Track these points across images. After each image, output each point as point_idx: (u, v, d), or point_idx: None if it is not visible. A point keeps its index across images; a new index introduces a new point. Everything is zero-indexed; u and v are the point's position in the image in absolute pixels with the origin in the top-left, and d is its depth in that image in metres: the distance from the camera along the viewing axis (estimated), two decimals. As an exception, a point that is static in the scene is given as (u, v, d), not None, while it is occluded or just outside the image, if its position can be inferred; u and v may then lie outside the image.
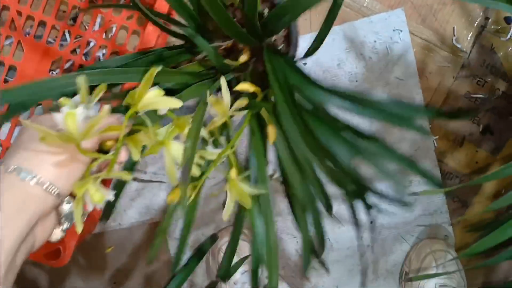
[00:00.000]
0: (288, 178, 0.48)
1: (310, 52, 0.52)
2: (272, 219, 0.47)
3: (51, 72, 0.76)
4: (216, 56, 0.49)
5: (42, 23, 0.75)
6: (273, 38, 0.55)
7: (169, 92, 0.42)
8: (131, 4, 0.48)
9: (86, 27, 0.75)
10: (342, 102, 0.42)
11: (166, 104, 0.38)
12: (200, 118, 0.42)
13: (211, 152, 0.42)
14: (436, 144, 0.80)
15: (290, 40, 0.57)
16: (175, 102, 0.37)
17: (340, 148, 0.42)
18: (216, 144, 0.46)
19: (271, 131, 0.45)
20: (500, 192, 0.81)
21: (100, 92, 0.36)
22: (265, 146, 0.48)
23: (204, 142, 0.45)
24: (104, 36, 0.75)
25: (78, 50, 0.75)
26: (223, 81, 0.43)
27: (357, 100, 0.42)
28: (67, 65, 0.76)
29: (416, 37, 0.78)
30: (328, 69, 0.77)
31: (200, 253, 0.60)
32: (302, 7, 0.43)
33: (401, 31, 0.77)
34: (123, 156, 0.39)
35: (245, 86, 0.46)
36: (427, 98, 0.79)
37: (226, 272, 0.55)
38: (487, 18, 0.78)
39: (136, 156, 0.38)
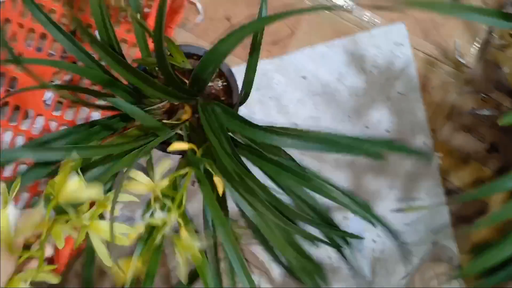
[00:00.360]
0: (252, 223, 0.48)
1: (243, 98, 0.52)
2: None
3: (51, 82, 0.76)
4: (150, 120, 0.49)
5: (43, 36, 0.76)
6: (212, 90, 0.58)
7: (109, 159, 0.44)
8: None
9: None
10: (283, 139, 0.43)
11: (87, 193, 0.38)
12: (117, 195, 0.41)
13: (157, 219, 0.41)
14: (440, 162, 0.78)
15: (230, 90, 0.58)
16: (95, 191, 0.38)
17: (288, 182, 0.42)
18: (163, 208, 0.45)
19: (218, 182, 0.44)
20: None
21: (16, 188, 0.37)
22: (219, 197, 0.48)
23: (149, 207, 0.44)
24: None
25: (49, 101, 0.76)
26: (134, 174, 0.42)
27: (295, 135, 0.42)
28: (67, 77, 0.77)
29: (418, 52, 0.77)
30: (327, 83, 0.76)
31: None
32: (221, 54, 0.45)
33: (402, 45, 0.76)
34: (48, 251, 0.39)
35: (177, 146, 0.45)
36: (429, 113, 0.77)
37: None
38: (491, 33, 0.77)
39: (61, 245, 0.38)
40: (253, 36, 0.48)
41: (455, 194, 0.78)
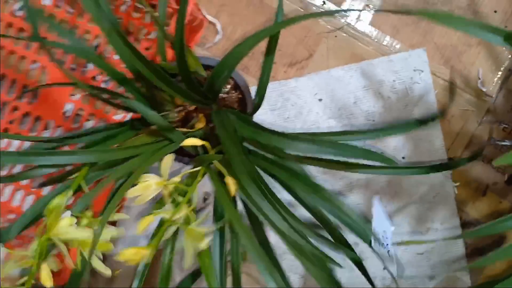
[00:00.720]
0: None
1: (255, 108, 0.52)
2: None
3: (71, 96, 0.78)
4: (166, 124, 0.50)
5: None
6: (226, 102, 0.59)
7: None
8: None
9: (106, 55, 0.77)
10: (297, 143, 0.43)
11: (77, 235, 0.39)
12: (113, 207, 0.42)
13: (166, 211, 0.42)
14: (456, 191, 0.76)
15: (245, 102, 0.60)
16: (86, 234, 0.38)
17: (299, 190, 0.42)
18: (176, 204, 0.46)
19: (230, 183, 0.45)
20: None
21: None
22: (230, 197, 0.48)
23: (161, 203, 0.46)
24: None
25: (98, 76, 0.78)
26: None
27: (309, 140, 0.43)
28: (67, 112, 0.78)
29: (438, 79, 0.75)
30: (343, 107, 0.76)
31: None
32: (235, 59, 0.46)
33: (422, 71, 0.75)
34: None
35: (191, 141, 0.46)
36: (448, 142, 0.76)
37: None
38: (516, 62, 0.75)
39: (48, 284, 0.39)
40: (269, 39, 0.49)
41: (472, 226, 0.76)
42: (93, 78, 0.78)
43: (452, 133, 0.76)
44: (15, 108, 0.77)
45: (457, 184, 0.76)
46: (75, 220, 0.39)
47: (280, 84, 0.76)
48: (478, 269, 0.77)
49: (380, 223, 0.62)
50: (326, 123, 0.76)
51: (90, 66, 0.78)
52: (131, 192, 0.42)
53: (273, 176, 0.50)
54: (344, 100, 0.76)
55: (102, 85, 0.77)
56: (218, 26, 0.76)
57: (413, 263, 0.77)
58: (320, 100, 0.76)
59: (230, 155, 0.44)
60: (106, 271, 0.42)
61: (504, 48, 0.75)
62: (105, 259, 0.81)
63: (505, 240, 0.76)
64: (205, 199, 0.80)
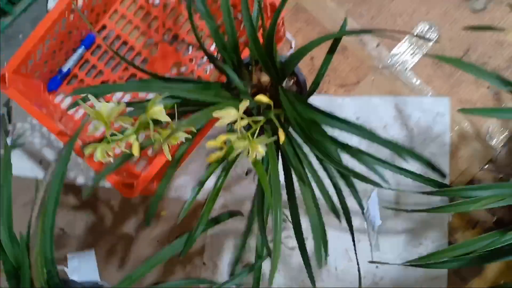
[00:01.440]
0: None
1: (310, 93, 0.71)
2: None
3: (171, 70, 1.02)
4: (243, 90, 0.71)
5: (176, 35, 1.03)
6: (289, 83, 0.79)
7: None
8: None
9: (206, 44, 1.01)
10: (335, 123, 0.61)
11: (161, 117, 0.58)
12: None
13: (254, 119, 0.62)
14: (450, 219, 0.91)
15: (299, 85, 0.79)
16: (165, 118, 0.58)
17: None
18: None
19: (281, 134, 0.64)
20: (499, 282, 0.89)
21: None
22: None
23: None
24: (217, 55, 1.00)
25: (194, 60, 1.01)
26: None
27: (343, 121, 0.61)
28: (183, 69, 1.02)
29: (455, 124, 0.93)
30: (374, 128, 0.94)
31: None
32: (307, 49, 0.65)
33: (443, 115, 0.93)
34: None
35: (261, 97, 0.65)
36: (452, 177, 0.92)
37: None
38: (522, 127, 0.91)
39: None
40: (333, 41, 0.68)
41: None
42: (191, 60, 1.01)
43: (458, 170, 0.92)
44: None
45: (453, 213, 0.91)
46: (162, 110, 0.59)
47: (330, 99, 0.96)
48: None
49: (373, 212, 0.80)
50: (357, 138, 0.95)
51: (191, 51, 1.01)
52: (216, 113, 0.62)
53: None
54: (376, 123, 0.95)
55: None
56: (293, 44, 0.98)
57: (401, 269, 0.92)
58: (357, 118, 0.95)
59: (287, 111, 0.63)
60: (168, 155, 0.61)
61: (514, 114, 0.91)
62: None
63: (483, 271, 0.90)
64: (247, 173, 0.99)
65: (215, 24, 0.73)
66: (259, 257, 0.76)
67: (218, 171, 0.72)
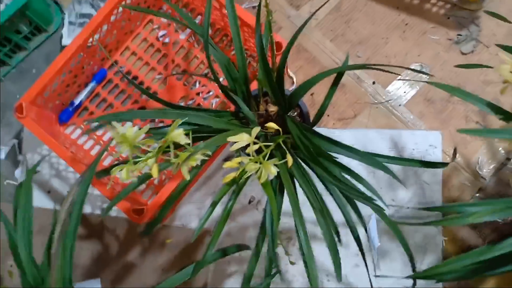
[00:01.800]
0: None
1: (314, 123, 0.77)
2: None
3: (179, 102, 1.07)
4: (252, 118, 0.77)
5: (184, 71, 1.09)
6: (293, 114, 0.86)
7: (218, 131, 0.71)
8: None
9: (211, 81, 1.07)
10: (338, 149, 0.67)
11: (181, 140, 0.64)
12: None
13: (266, 144, 0.67)
14: (444, 244, 0.96)
15: (303, 117, 0.86)
16: (185, 140, 0.64)
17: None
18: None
19: (289, 158, 0.69)
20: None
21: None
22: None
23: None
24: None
25: (200, 93, 1.07)
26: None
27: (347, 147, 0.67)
28: (190, 102, 1.07)
29: (446, 156, 0.99)
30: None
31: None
32: (311, 84, 0.72)
33: (435, 147, 0.99)
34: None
35: (272, 124, 0.71)
36: (445, 192, 0.98)
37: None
38: (508, 159, 0.98)
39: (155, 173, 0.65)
40: (336, 75, 0.74)
41: (451, 274, 0.95)
42: (198, 94, 1.07)
43: (450, 198, 0.98)
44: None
45: (446, 238, 0.96)
46: (182, 133, 0.64)
47: (328, 131, 1.02)
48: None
49: (373, 234, 0.84)
50: (355, 169, 1.00)
51: (198, 86, 1.07)
52: (231, 138, 0.67)
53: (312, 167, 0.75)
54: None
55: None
56: (294, 79, 1.05)
57: (399, 292, 0.95)
58: (355, 149, 1.01)
59: (294, 136, 0.69)
60: (187, 175, 0.65)
61: (501, 146, 0.99)
62: (164, 228, 1.03)
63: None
64: (250, 202, 1.04)
65: (228, 58, 0.79)
66: (267, 275, 0.78)
67: (225, 198, 0.76)
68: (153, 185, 1.04)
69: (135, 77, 1.09)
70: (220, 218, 0.76)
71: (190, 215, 1.04)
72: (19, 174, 1.10)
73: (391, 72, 0.69)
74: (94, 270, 1.04)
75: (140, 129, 0.65)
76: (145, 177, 0.77)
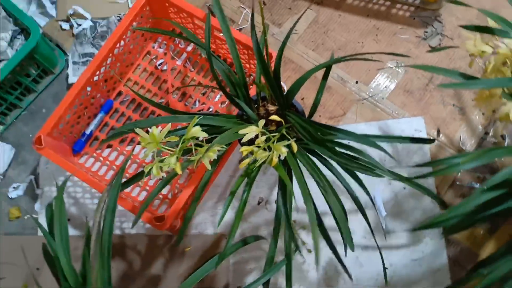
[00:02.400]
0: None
1: (310, 116, 0.87)
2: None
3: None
4: (255, 118, 0.87)
5: (184, 93, 1.19)
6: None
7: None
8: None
9: (210, 98, 1.17)
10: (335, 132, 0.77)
11: (199, 134, 0.73)
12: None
13: (273, 133, 0.76)
14: (442, 217, 1.04)
15: (299, 114, 0.95)
16: (203, 134, 0.73)
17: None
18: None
19: (293, 144, 0.78)
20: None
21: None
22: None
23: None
24: (219, 105, 1.16)
25: (201, 111, 1.16)
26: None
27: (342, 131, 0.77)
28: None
29: (431, 137, 1.09)
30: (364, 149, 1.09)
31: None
32: (302, 81, 0.82)
33: (420, 131, 1.10)
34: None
35: (275, 117, 0.80)
36: (437, 182, 1.07)
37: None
38: (486, 133, 1.08)
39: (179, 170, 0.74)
40: (325, 70, 0.84)
41: (453, 243, 1.03)
42: (199, 111, 1.17)
43: (441, 176, 1.07)
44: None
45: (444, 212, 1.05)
46: (200, 128, 0.73)
47: (322, 129, 1.12)
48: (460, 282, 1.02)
49: (378, 203, 0.93)
50: (351, 159, 1.10)
51: (198, 104, 1.17)
52: (242, 130, 0.76)
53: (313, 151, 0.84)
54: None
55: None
56: (285, 88, 1.15)
57: (408, 266, 1.03)
58: (348, 142, 1.10)
59: (296, 125, 0.79)
60: (208, 166, 0.74)
61: (479, 122, 1.09)
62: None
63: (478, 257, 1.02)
64: (259, 203, 1.12)
65: (228, 66, 0.90)
66: (287, 256, 0.86)
67: (240, 191, 0.84)
68: (167, 199, 1.11)
69: (139, 104, 1.18)
70: (237, 208, 0.83)
71: (205, 222, 1.11)
72: (38, 207, 1.16)
73: (369, 60, 0.79)
74: (121, 286, 1.10)
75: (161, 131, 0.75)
76: (170, 178, 0.85)
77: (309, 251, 1.03)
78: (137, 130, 0.74)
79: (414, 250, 1.04)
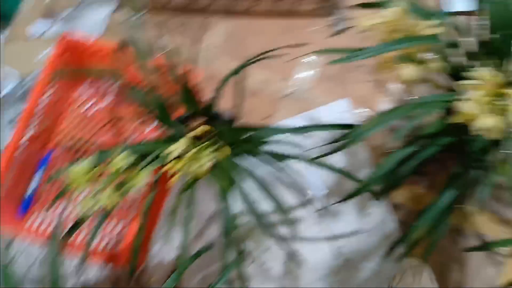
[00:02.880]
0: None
1: (236, 118, 0.91)
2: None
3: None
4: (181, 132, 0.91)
5: (117, 128, 1.21)
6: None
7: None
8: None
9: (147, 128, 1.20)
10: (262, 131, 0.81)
11: (121, 163, 0.77)
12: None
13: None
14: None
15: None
16: (124, 161, 0.77)
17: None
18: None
19: (225, 149, 0.82)
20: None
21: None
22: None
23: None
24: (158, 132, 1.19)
25: (139, 143, 1.19)
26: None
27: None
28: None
29: (359, 114, 1.15)
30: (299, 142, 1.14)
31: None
32: (221, 86, 0.88)
33: (347, 111, 1.15)
34: None
35: (203, 128, 0.84)
36: (371, 153, 1.11)
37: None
38: (408, 97, 1.14)
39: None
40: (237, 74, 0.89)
41: (399, 207, 1.08)
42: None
43: (372, 146, 1.12)
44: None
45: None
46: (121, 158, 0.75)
47: (256, 132, 1.16)
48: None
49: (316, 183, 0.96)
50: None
51: (134, 137, 1.20)
52: (168, 148, 0.79)
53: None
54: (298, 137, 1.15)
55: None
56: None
57: (362, 239, 1.06)
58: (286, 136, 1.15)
59: (222, 134, 0.83)
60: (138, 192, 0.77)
61: (399, 93, 1.15)
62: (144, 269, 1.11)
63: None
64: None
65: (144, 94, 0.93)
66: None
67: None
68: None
69: (78, 150, 1.20)
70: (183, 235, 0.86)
71: (162, 251, 1.13)
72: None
73: (282, 55, 0.84)
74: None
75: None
76: (105, 215, 0.87)
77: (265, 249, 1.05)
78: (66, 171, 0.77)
79: (364, 222, 1.08)
